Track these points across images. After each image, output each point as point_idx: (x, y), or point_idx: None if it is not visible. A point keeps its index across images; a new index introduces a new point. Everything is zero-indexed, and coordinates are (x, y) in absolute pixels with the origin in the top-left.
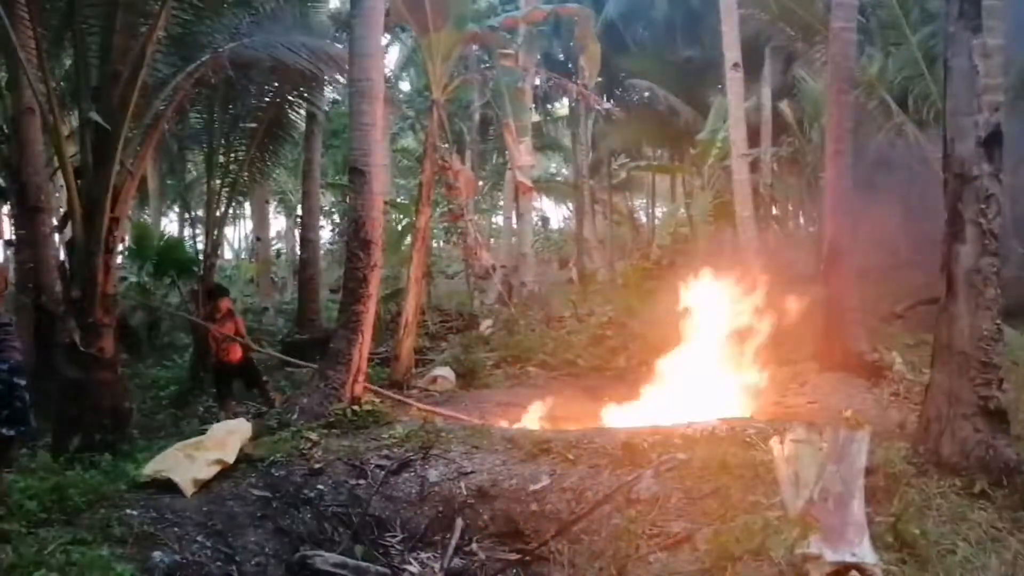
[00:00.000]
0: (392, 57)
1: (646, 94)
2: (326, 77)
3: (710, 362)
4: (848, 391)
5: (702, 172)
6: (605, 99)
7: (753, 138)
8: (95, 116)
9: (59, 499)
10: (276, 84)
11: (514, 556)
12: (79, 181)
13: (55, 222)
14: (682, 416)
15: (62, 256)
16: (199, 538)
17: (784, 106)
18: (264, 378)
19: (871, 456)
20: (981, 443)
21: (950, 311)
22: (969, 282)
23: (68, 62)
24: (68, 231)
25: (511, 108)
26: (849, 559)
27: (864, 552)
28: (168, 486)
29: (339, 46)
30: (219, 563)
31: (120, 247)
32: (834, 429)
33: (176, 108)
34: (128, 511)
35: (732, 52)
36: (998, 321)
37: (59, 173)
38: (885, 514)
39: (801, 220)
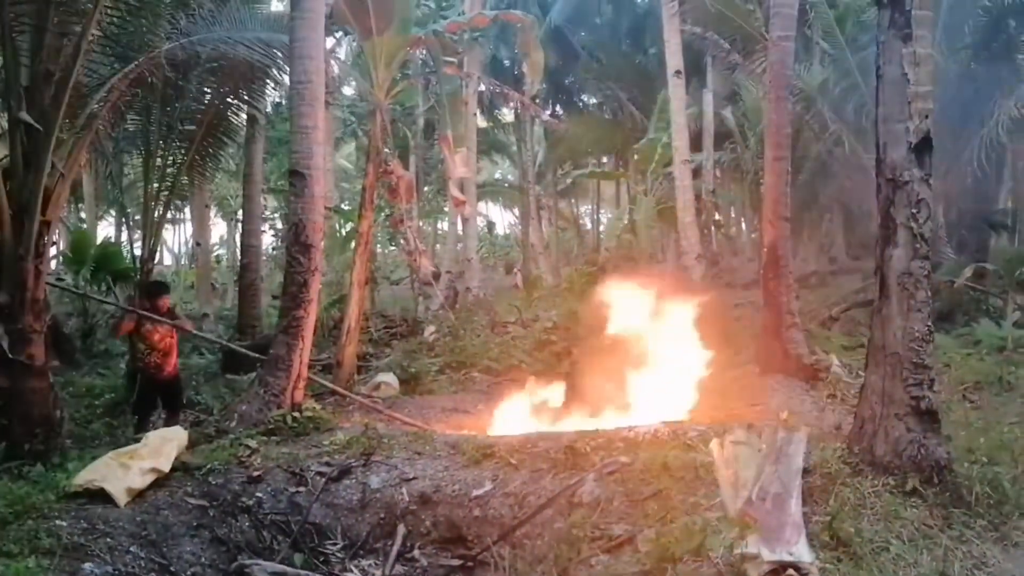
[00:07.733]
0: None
1: (592, 100)
2: (268, 79)
3: (652, 366)
4: (787, 393)
5: (646, 178)
6: (551, 105)
7: (696, 144)
8: (25, 116)
9: None
10: (216, 85)
11: (456, 562)
12: (8, 183)
13: None
14: (625, 419)
15: None
16: (132, 548)
17: (728, 112)
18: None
19: (808, 457)
20: (913, 442)
21: (883, 313)
22: (901, 284)
23: None
24: None
25: (450, 119)
26: (786, 558)
27: (801, 551)
28: (100, 496)
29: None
30: (153, 573)
31: (53, 251)
32: (772, 431)
33: (112, 109)
34: (57, 522)
35: (674, 59)
36: (929, 323)
37: None
38: (821, 513)
39: (743, 226)
